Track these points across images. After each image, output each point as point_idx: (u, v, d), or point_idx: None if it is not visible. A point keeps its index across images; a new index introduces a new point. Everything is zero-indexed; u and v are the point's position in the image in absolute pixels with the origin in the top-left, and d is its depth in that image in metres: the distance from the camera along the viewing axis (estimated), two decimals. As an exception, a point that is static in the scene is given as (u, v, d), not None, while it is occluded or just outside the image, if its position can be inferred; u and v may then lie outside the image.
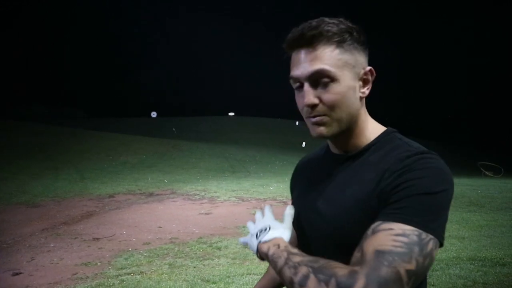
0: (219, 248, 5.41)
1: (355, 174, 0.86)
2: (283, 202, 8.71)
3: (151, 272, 4.38)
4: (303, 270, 0.74)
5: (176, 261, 4.84)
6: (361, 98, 0.86)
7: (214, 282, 3.92)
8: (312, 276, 0.71)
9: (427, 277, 0.84)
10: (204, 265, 4.66)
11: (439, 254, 4.86)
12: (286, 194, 9.64)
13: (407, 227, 0.71)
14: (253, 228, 0.95)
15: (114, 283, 4.01)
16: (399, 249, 0.68)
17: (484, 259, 4.44)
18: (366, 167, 0.84)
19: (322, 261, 0.74)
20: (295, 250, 0.81)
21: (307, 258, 0.77)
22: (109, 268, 4.60)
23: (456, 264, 4.26)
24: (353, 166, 0.88)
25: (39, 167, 14.45)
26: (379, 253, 0.68)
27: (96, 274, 4.40)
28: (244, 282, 3.91)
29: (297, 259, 0.77)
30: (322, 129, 0.85)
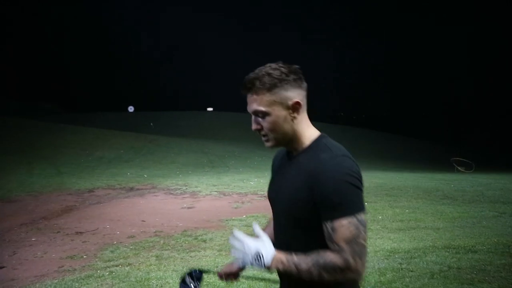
0: (204, 241, 5.49)
1: (296, 170, 1.26)
2: (265, 196, 8.84)
3: (139, 263, 4.42)
4: (313, 270, 1.15)
5: (163, 253, 4.89)
6: (293, 119, 1.26)
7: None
8: (321, 271, 1.15)
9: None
10: (191, 256, 4.73)
11: (417, 243, 5.11)
12: (266, 188, 9.72)
13: (348, 218, 1.15)
14: (244, 257, 1.22)
15: (103, 274, 4.03)
16: (354, 232, 1.14)
17: (457, 247, 4.70)
18: (301, 165, 1.25)
19: (318, 257, 1.16)
20: (296, 259, 1.18)
21: (309, 259, 1.17)
22: (96, 261, 4.61)
23: (432, 252, 4.50)
24: (295, 163, 1.28)
25: (12, 162, 14.04)
26: (349, 241, 1.13)
27: (84, 266, 4.41)
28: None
29: (303, 266, 1.17)
30: (267, 144, 1.30)
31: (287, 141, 1.29)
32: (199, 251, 4.96)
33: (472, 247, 4.70)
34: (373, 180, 11.56)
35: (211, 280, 3.44)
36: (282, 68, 1.24)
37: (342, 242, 1.14)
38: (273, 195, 1.38)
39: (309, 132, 1.30)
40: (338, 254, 1.14)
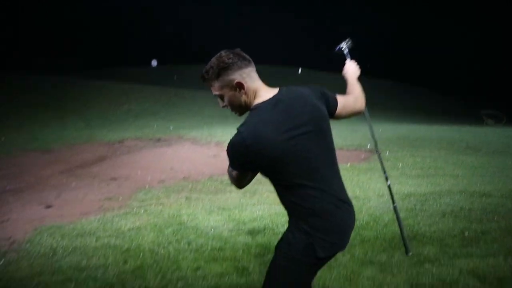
0: (229, 184, 5.84)
1: None
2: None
3: (171, 203, 4.84)
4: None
5: (192, 195, 5.29)
6: (242, 94, 1.62)
7: (229, 209, 4.37)
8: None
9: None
10: (217, 198, 5.11)
11: (433, 188, 5.29)
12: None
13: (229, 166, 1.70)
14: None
15: (139, 211, 4.46)
16: (228, 170, 1.76)
17: (473, 192, 4.87)
18: None
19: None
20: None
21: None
22: (131, 201, 5.05)
23: (447, 196, 4.69)
24: None
25: (45, 117, 14.72)
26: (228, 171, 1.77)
27: (121, 206, 4.86)
28: (256, 209, 4.37)
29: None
30: (236, 114, 1.71)
31: (247, 109, 1.69)
32: (224, 194, 5.33)
33: (487, 192, 4.85)
34: (396, 131, 11.58)
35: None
36: (223, 58, 1.60)
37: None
38: None
39: (253, 103, 1.66)
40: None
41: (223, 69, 1.59)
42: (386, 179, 2.34)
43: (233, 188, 5.77)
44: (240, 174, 1.68)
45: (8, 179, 6.75)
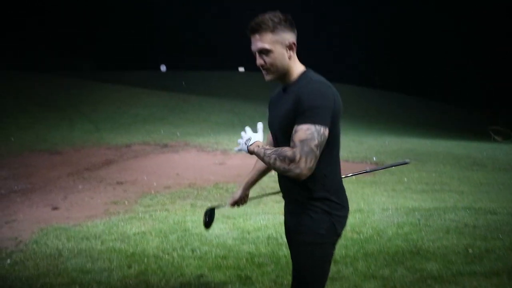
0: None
1: (287, 97, 1.63)
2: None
3: (176, 209, 4.88)
4: (272, 156, 1.55)
5: (197, 202, 5.33)
6: (289, 57, 1.61)
7: (234, 218, 4.40)
8: (276, 157, 1.53)
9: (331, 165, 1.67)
10: (222, 206, 5.13)
11: (438, 203, 5.28)
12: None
13: (309, 125, 1.49)
14: (241, 141, 1.73)
15: (144, 217, 4.51)
16: (309, 136, 1.48)
17: (478, 209, 4.85)
18: (290, 94, 1.61)
19: (280, 149, 1.54)
20: (267, 146, 1.63)
21: (273, 149, 1.58)
22: (137, 206, 5.10)
23: (451, 212, 4.68)
24: (287, 93, 1.65)
25: (54, 118, 14.88)
26: (301, 141, 1.48)
27: (126, 210, 4.91)
28: (260, 219, 4.40)
29: (268, 151, 1.58)
30: (267, 77, 1.65)
31: (283, 75, 1.64)
32: (229, 202, 5.35)
33: (492, 209, 4.83)
34: (403, 145, 11.57)
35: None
36: (280, 16, 1.58)
37: (297, 141, 1.50)
38: (270, 120, 1.77)
39: (298, 68, 1.65)
40: (291, 149, 1.50)
41: (285, 24, 1.57)
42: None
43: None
44: (326, 133, 1.51)
45: (16, 179, 6.84)
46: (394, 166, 2.39)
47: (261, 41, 1.57)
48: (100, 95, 20.55)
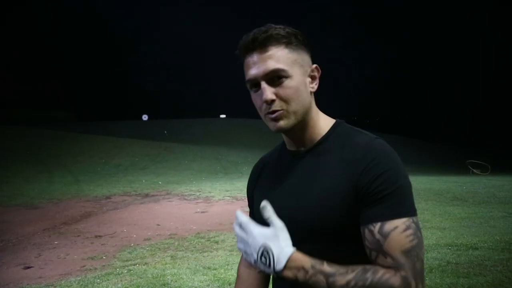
0: (216, 242, 5.75)
1: (319, 165, 0.93)
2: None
3: (155, 262, 4.72)
4: None
5: (177, 253, 5.17)
6: (311, 92, 0.96)
7: (214, 269, 4.27)
8: None
9: None
10: (204, 256, 5.00)
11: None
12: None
13: (404, 220, 0.83)
14: (243, 248, 0.90)
15: (122, 272, 4.33)
16: (414, 242, 0.82)
17: (459, 245, 4.86)
18: (329, 157, 0.93)
19: (368, 275, 0.81)
20: (327, 268, 0.83)
21: (350, 273, 0.81)
22: (115, 261, 4.91)
23: (434, 250, 4.67)
24: (314, 159, 0.95)
25: (33, 171, 14.59)
26: (407, 253, 0.81)
27: (104, 265, 4.72)
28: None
29: (340, 280, 0.81)
30: (281, 123, 0.91)
31: (303, 122, 0.96)
32: (211, 251, 5.23)
33: (474, 244, 4.85)
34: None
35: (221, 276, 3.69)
36: (293, 29, 0.95)
37: (398, 254, 0.82)
38: (281, 214, 0.91)
39: (323, 117, 1.01)
40: (394, 271, 0.81)
41: (302, 41, 0.95)
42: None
43: (220, 245, 5.73)
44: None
45: (-12, 238, 6.55)
46: None
47: (272, 60, 0.90)
48: (81, 146, 20.39)
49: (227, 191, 10.81)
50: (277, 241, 0.85)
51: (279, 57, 0.90)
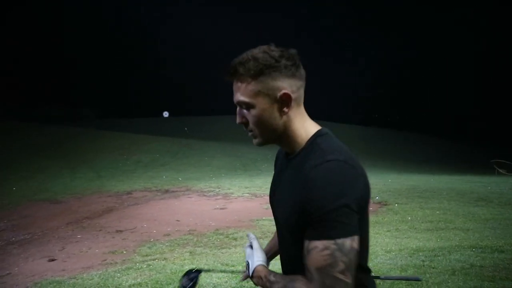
0: (235, 239, 5.77)
1: (291, 175, 1.10)
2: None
3: (174, 258, 4.76)
4: None
5: (196, 249, 5.21)
6: (283, 114, 1.08)
7: (232, 265, 4.28)
8: None
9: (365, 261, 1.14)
10: (222, 253, 5.02)
11: (443, 243, 5.14)
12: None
13: (324, 242, 0.95)
14: (246, 258, 1.29)
15: (142, 267, 4.39)
16: (328, 261, 0.94)
17: (484, 247, 4.72)
18: (294, 172, 1.08)
19: (290, 284, 1.03)
20: (272, 277, 1.10)
21: (281, 282, 1.06)
22: (135, 255, 4.99)
23: (457, 251, 4.55)
24: (291, 167, 1.12)
25: (56, 167, 14.97)
26: (320, 269, 0.95)
27: (124, 260, 4.80)
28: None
29: (275, 286, 1.07)
30: (254, 141, 1.14)
31: (277, 140, 1.12)
32: (229, 248, 5.25)
33: (499, 247, 4.70)
34: (405, 182, 11.46)
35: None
36: (272, 52, 1.06)
37: (313, 269, 0.97)
38: (272, 201, 1.25)
39: (304, 130, 1.11)
40: (308, 283, 0.99)
41: (271, 68, 1.05)
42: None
43: (238, 242, 5.74)
44: (355, 244, 0.97)
45: (14, 230, 6.77)
46: (406, 279, 2.37)
47: (239, 91, 1.08)
48: (103, 142, 20.80)
49: (246, 188, 10.83)
50: (252, 258, 1.23)
51: (243, 90, 1.07)
